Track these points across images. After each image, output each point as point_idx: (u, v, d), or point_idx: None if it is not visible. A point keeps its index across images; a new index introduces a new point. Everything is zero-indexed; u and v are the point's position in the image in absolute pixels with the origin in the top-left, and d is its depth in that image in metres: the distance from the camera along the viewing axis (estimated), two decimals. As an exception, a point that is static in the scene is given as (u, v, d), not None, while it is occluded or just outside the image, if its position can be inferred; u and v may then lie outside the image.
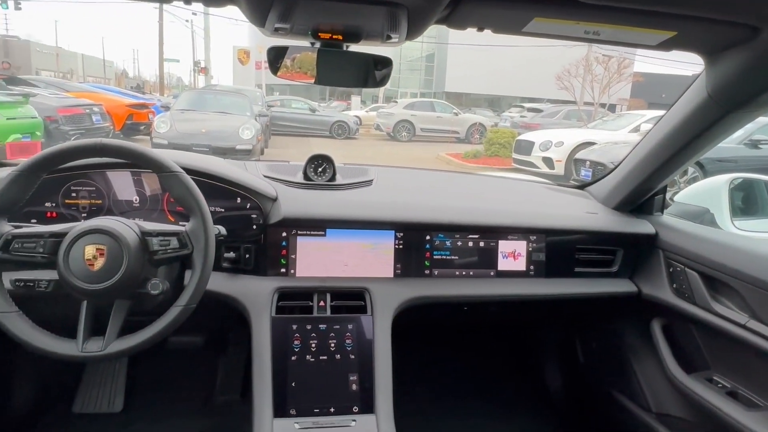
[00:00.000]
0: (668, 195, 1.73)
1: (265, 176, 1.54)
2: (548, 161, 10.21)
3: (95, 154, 1.09)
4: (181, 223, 1.37)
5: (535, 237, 1.51)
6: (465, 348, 2.19)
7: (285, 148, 12.41)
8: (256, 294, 1.31)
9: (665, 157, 1.38)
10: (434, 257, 1.46)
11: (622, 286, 1.57)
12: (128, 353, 1.06)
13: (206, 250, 1.09)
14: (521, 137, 11.16)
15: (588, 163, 8.59)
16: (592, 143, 9.70)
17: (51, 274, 1.10)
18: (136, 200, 1.36)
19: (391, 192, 1.57)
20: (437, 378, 2.06)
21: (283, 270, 1.38)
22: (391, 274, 1.42)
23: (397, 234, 1.43)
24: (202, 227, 1.09)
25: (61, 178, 1.30)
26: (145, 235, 1.10)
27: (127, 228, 1.09)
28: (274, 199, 1.39)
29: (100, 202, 1.34)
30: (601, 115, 14.59)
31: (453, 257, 1.47)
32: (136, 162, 1.12)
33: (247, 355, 2.13)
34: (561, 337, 2.06)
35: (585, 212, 1.61)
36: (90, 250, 1.05)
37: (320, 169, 1.59)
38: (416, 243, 1.44)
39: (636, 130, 10.31)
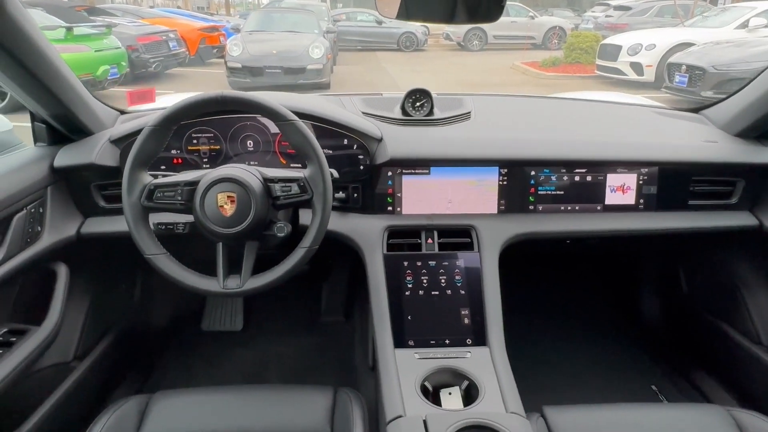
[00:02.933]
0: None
1: (363, 113, 1.55)
2: (637, 67, 9.37)
3: (218, 106, 1.14)
4: (293, 165, 1.44)
5: (646, 170, 1.44)
6: (563, 277, 2.21)
7: (353, 65, 12.20)
8: (368, 232, 1.38)
9: None
10: (539, 192, 1.44)
11: (741, 219, 1.49)
12: (261, 290, 1.17)
13: (325, 194, 1.14)
14: (606, 41, 10.23)
15: (684, 67, 7.81)
16: (690, 44, 8.73)
17: (186, 218, 1.21)
18: (250, 144, 1.43)
19: (492, 125, 1.54)
20: (536, 307, 2.11)
21: (389, 208, 1.42)
22: (495, 210, 1.43)
23: (501, 170, 1.42)
24: (320, 173, 1.14)
25: (183, 127, 1.38)
26: (267, 181, 1.17)
27: (251, 175, 1.16)
28: (380, 140, 1.40)
29: (218, 147, 1.42)
30: (700, 9, 12.90)
31: (558, 192, 1.44)
32: (255, 111, 1.16)
33: (348, 281, 2.29)
34: (663, 265, 2.02)
35: (703, 141, 1.50)
36: (222, 198, 1.13)
37: (418, 104, 1.57)
38: (520, 179, 1.42)
39: (744, 26, 9.12)
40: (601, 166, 1.43)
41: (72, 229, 1.35)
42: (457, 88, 9.66)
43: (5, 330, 1.19)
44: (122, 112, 1.59)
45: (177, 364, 1.94)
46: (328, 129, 1.39)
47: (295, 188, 1.16)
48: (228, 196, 1.13)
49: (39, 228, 1.26)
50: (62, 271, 1.33)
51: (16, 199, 1.17)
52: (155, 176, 1.21)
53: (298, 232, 1.21)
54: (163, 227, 1.24)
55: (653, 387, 1.80)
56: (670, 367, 1.87)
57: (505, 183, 1.42)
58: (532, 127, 1.56)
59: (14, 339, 1.17)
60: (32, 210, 1.22)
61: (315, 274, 2.10)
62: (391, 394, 1.07)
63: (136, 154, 1.11)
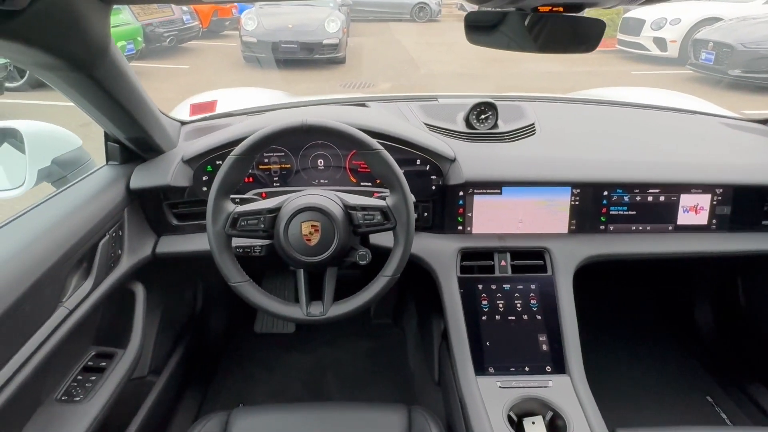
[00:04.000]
0: None
1: (426, 124, 1.53)
2: (660, 42, 9.13)
3: (302, 134, 1.13)
4: (363, 184, 1.43)
5: (721, 190, 1.42)
6: (614, 288, 2.19)
7: (366, 37, 11.98)
8: (441, 254, 1.37)
9: None
10: (611, 212, 1.43)
11: None
12: (344, 317, 1.18)
13: (408, 224, 1.14)
14: (629, 14, 9.93)
15: (711, 44, 7.60)
16: (717, 19, 8.48)
17: (263, 241, 1.22)
18: (321, 163, 1.42)
19: (558, 141, 1.51)
20: (590, 320, 2.09)
21: (460, 228, 1.42)
22: (565, 230, 1.42)
23: (574, 190, 1.40)
24: (404, 202, 1.14)
25: None
26: (348, 208, 1.16)
27: (333, 203, 1.15)
28: (453, 160, 1.39)
29: (289, 166, 1.41)
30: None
31: (630, 212, 1.43)
32: (339, 140, 1.15)
33: (397, 283, 2.28)
34: (720, 276, 2.00)
35: None
36: (306, 227, 1.14)
37: (483, 116, 1.55)
38: (592, 199, 1.41)
39: (774, 0, 8.82)
40: (676, 187, 1.41)
41: (147, 249, 1.36)
42: (475, 64, 9.47)
43: (93, 353, 1.21)
44: (183, 123, 1.58)
45: (236, 369, 1.97)
46: (399, 149, 1.37)
47: (378, 217, 1.15)
48: (312, 225, 1.13)
49: (120, 251, 1.26)
50: (140, 291, 1.34)
51: (101, 226, 1.17)
52: (234, 201, 1.21)
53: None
54: (241, 250, 1.25)
55: (708, 398, 1.82)
56: (727, 380, 1.89)
57: (576, 203, 1.41)
58: (601, 143, 1.53)
59: (104, 363, 1.19)
60: (113, 234, 1.23)
61: (365, 278, 2.11)
62: (480, 425, 1.09)
63: (220, 184, 1.11)
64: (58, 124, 1.42)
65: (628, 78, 8.60)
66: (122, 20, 6.94)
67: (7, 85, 6.31)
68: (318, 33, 8.58)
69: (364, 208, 1.16)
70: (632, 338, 2.11)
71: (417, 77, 8.44)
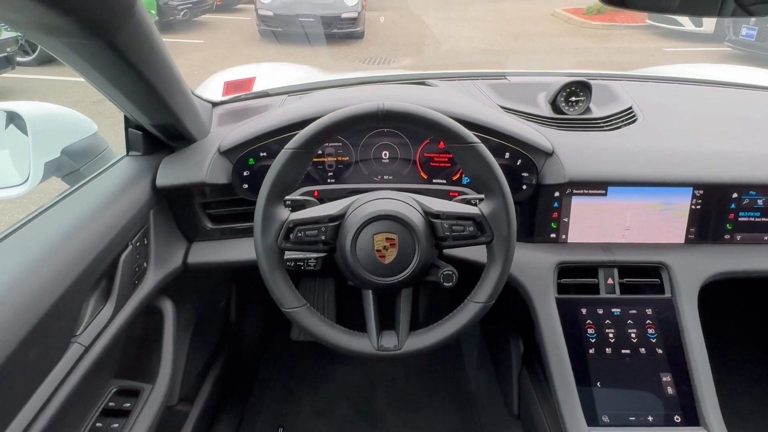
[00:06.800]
0: None
1: (502, 107, 1.27)
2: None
3: (375, 122, 0.87)
4: (435, 181, 1.18)
5: None
6: (743, 311, 1.82)
7: (383, 11, 11.55)
8: (534, 269, 1.12)
9: None
10: (739, 219, 1.16)
11: None
12: (424, 351, 0.94)
13: (509, 238, 0.89)
14: (662, -13, 9.40)
15: (753, 19, 7.12)
16: (760, -9, 7.97)
17: (318, 253, 0.99)
18: (385, 155, 1.17)
19: (668, 130, 1.25)
20: (724, 354, 1.57)
21: (553, 235, 1.17)
22: (682, 240, 1.17)
23: (696, 192, 1.14)
24: (504, 210, 0.89)
25: None
26: (430, 216, 0.92)
27: (413, 210, 0.91)
28: (550, 154, 1.13)
29: (347, 159, 1.16)
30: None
31: (763, 219, 1.17)
32: (422, 129, 0.90)
33: (450, 293, 2.01)
34: None
35: None
36: (380, 240, 0.89)
37: (572, 99, 1.28)
38: (718, 202, 1.15)
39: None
40: None
41: (178, 258, 1.13)
42: (498, 39, 9.08)
43: (115, 390, 0.99)
44: (214, 104, 1.33)
45: (275, 385, 1.75)
46: (486, 139, 1.11)
47: (470, 228, 0.91)
48: (387, 238, 0.89)
49: (145, 264, 1.03)
50: (168, 309, 1.11)
51: (123, 235, 0.94)
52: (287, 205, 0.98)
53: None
54: (292, 264, 1.01)
55: None
56: None
57: (698, 207, 1.15)
58: (721, 131, 1.26)
59: (128, 405, 0.97)
60: (137, 244, 0.99)
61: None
62: None
63: (272, 186, 0.87)
64: (72, 101, 1.17)
65: (661, 55, 8.18)
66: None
67: (19, 59, 6.07)
68: (336, 6, 8.24)
69: (452, 216, 0.91)
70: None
71: (439, 53, 8.08)
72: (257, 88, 1.50)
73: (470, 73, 1.51)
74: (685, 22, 8.82)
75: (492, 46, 8.57)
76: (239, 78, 1.32)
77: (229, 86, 1.31)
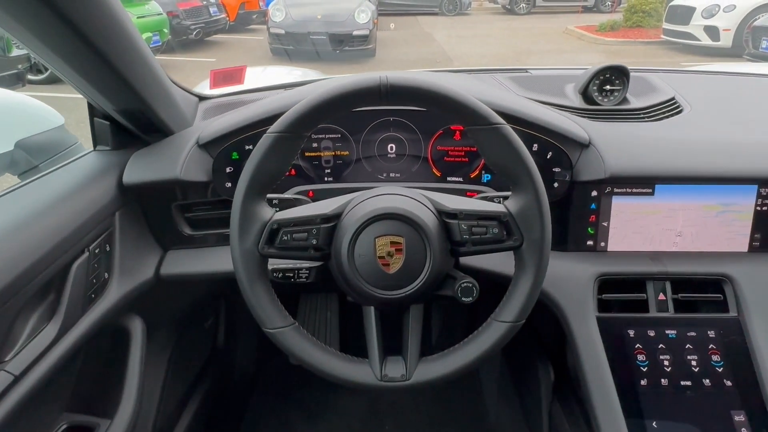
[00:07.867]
0: None
1: (526, 98, 1.11)
2: (712, 31, 8.49)
3: (377, 100, 0.71)
4: (450, 179, 1.01)
5: None
6: None
7: (395, 30, 11.58)
8: (569, 281, 0.95)
9: None
10: (811, 223, 0.98)
11: None
12: (437, 383, 0.76)
13: (542, 241, 0.72)
14: (677, 2, 9.27)
15: (774, 30, 6.95)
16: (777, 5, 7.81)
17: (311, 262, 0.82)
18: (392, 149, 1.01)
19: (720, 121, 1.08)
20: None
21: (590, 242, 0.99)
22: (745, 248, 0.98)
23: (762, 190, 0.96)
24: (536, 206, 0.72)
25: None
26: (445, 216, 0.75)
27: (423, 208, 0.75)
28: (587, 145, 0.96)
29: (346, 153, 1.01)
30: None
31: None
32: (437, 108, 0.73)
33: (465, 313, 1.85)
34: None
35: None
36: (383, 245, 0.73)
37: (607, 87, 1.12)
38: None
39: (843, -18, 8.08)
40: None
41: (149, 269, 0.97)
42: (510, 56, 8.98)
43: (65, 427, 0.82)
44: (201, 98, 1.19)
45: (269, 416, 1.57)
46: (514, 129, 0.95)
47: (494, 229, 0.73)
48: (392, 243, 0.72)
49: (106, 275, 0.87)
50: (137, 329, 0.95)
51: (76, 239, 0.78)
52: (271, 202, 0.82)
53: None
54: (279, 275, 0.85)
55: None
56: None
57: (765, 209, 0.97)
58: None
59: (79, 445, 0.80)
60: (96, 251, 0.84)
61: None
62: None
63: (252, 178, 0.71)
64: (80, 117, 1.04)
65: (679, 70, 7.99)
66: (148, 11, 6.66)
67: (30, 77, 6.09)
68: (348, 24, 8.22)
69: (471, 216, 0.74)
70: None
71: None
72: (250, 85, 1.37)
73: (489, 68, 1.36)
74: (702, 37, 8.65)
75: (505, 62, 8.48)
76: (228, 68, 1.18)
77: (217, 76, 1.16)
